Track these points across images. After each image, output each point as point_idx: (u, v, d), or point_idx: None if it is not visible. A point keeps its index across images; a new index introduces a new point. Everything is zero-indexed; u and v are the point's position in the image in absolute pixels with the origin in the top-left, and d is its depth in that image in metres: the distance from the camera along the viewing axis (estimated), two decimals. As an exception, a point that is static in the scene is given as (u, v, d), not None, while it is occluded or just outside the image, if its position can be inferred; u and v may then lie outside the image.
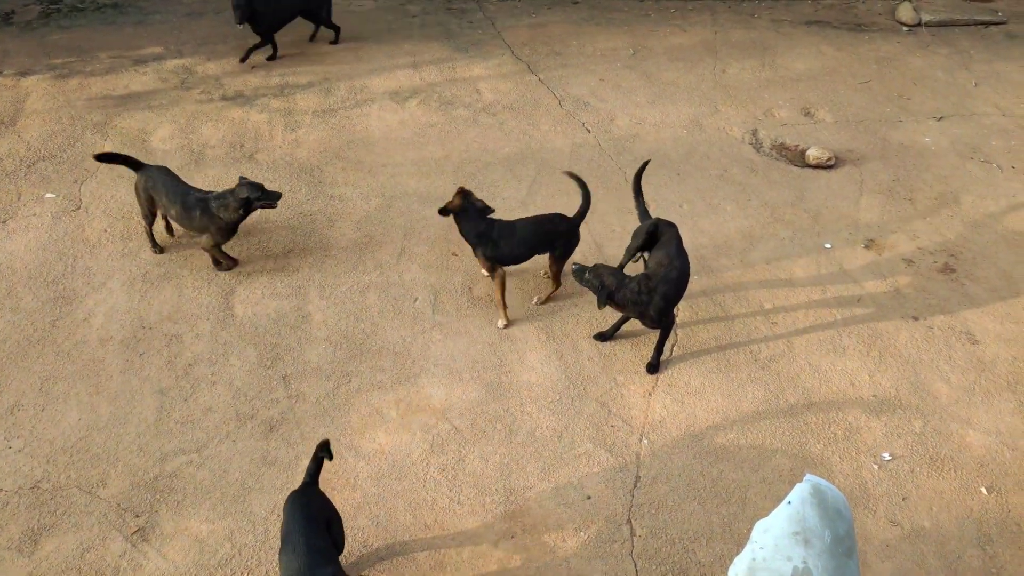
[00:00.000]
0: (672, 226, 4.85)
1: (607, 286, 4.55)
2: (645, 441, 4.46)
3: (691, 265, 4.87)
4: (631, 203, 5.47)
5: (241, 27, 7.36)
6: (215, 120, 6.88)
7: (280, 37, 8.35)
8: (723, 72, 8.14)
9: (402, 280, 5.41)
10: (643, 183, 5.37)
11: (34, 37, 7.90)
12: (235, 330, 4.98)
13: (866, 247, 5.90)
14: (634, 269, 5.17)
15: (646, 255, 4.97)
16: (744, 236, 5.94)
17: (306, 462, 3.97)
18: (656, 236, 4.81)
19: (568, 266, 5.23)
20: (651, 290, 4.54)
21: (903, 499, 4.28)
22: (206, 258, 5.43)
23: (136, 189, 5.31)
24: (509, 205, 6.10)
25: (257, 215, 5.83)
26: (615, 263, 5.53)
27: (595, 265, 4.66)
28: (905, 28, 9.14)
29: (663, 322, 4.71)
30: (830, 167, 6.73)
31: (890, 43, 8.83)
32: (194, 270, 5.37)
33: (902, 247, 5.90)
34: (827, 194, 6.42)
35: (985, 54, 8.51)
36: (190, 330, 4.96)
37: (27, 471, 4.18)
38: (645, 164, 5.30)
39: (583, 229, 5.84)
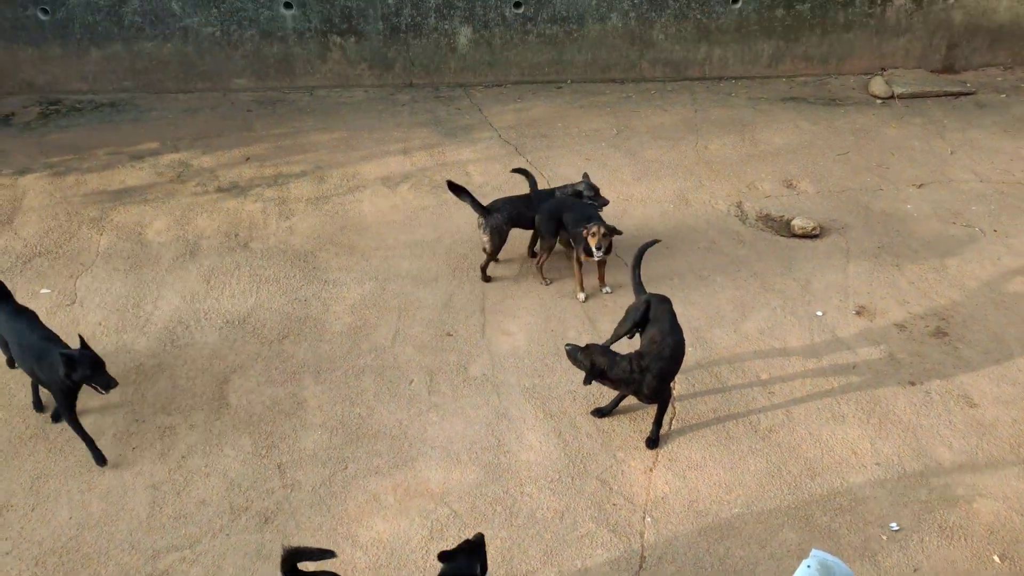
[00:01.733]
0: (665, 301, 4.89)
1: (597, 366, 4.55)
2: (648, 519, 4.38)
3: (686, 338, 4.89)
4: (622, 278, 5.53)
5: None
6: (210, 211, 7.00)
7: (271, 129, 8.59)
8: (705, 148, 8.37)
9: (397, 362, 5.40)
10: (631, 256, 5.45)
11: (33, 137, 8.11)
12: (229, 419, 4.93)
13: (857, 313, 5.95)
14: (629, 345, 5.20)
15: (639, 331, 4.99)
16: (736, 306, 5.99)
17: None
18: (648, 313, 4.84)
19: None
20: (644, 368, 4.54)
21: (914, 570, 4.18)
22: (199, 348, 5.43)
23: None
24: (502, 284, 6.15)
25: (253, 299, 5.86)
26: (608, 336, 5.55)
27: (587, 345, 4.67)
28: (879, 101, 9.47)
29: (659, 397, 4.69)
30: (815, 236, 6.85)
31: (865, 115, 9.13)
32: (188, 360, 5.36)
33: (893, 312, 5.95)
34: (815, 262, 6.52)
35: (958, 123, 8.80)
36: (183, 421, 4.91)
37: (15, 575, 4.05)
38: (652, 243, 5.38)
39: (578, 307, 5.89)
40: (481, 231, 6.06)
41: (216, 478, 4.56)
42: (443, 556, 3.45)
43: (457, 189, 6.05)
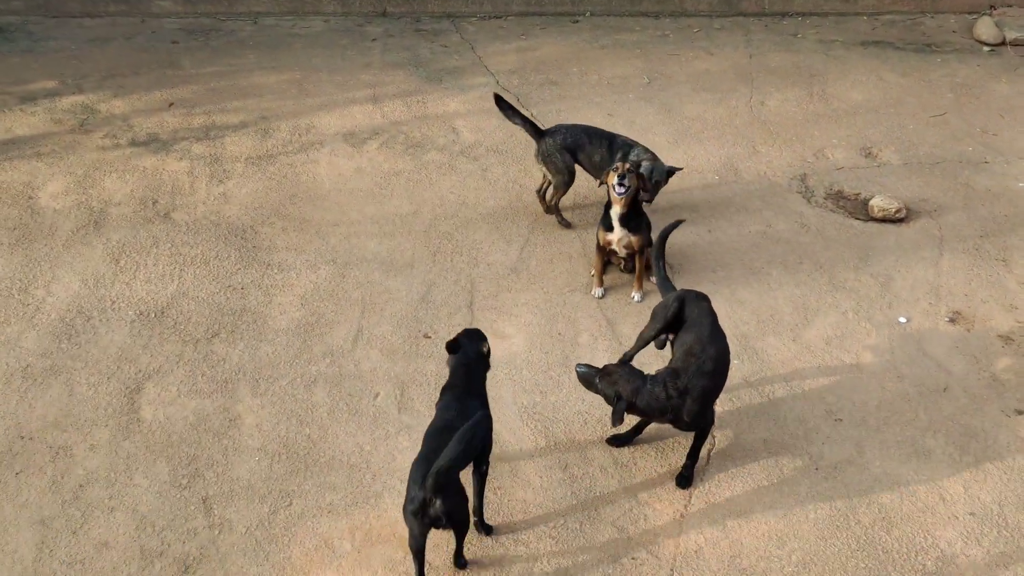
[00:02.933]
0: (703, 299, 4.89)
1: (624, 396, 4.53)
2: (677, 578, 4.40)
3: (730, 348, 4.90)
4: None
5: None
6: (121, 171, 6.99)
7: (203, 67, 8.57)
8: (761, 104, 8.37)
9: (359, 371, 5.41)
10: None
11: None
12: (141, 439, 4.93)
13: (951, 321, 5.96)
14: (655, 356, 5.21)
15: (670, 337, 5.00)
16: (796, 308, 6.00)
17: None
18: (683, 314, 4.83)
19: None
20: (683, 391, 4.53)
21: (1017, 651, 4.20)
22: (104, 346, 5.44)
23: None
24: (496, 272, 6.16)
25: (175, 285, 5.86)
26: (631, 343, 5.56)
27: (605, 367, 4.64)
28: (987, 48, 9.48)
29: (700, 424, 4.70)
30: (900, 220, 6.86)
31: (968, 66, 9.14)
32: (89, 362, 5.36)
33: (997, 321, 5.97)
34: (898, 254, 6.53)
35: (1087, 79, 8.82)
36: (83, 440, 4.91)
37: None
38: (676, 224, 5.38)
39: (593, 305, 5.90)
40: (537, 162, 6.53)
41: (123, 514, 4.56)
42: (450, 346, 4.49)
43: (506, 107, 6.47)
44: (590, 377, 4.63)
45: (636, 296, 6.03)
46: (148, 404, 5.13)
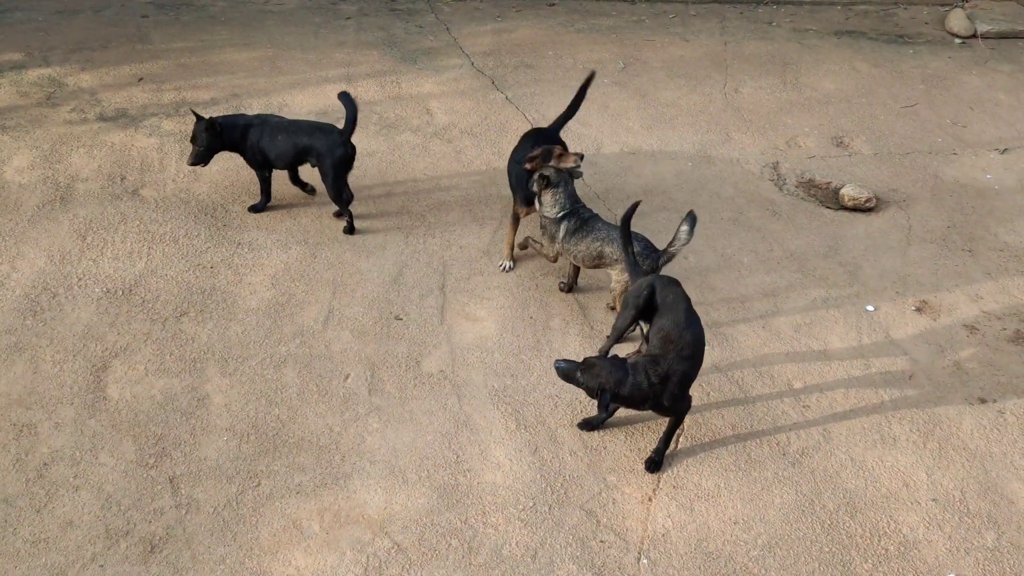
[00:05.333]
0: (675, 284, 4.90)
1: (607, 387, 4.53)
2: (645, 561, 4.43)
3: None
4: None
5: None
6: (89, 145, 6.88)
7: (173, 42, 8.45)
8: (735, 92, 8.40)
9: (330, 352, 5.38)
10: (635, 227, 5.46)
11: None
12: (107, 418, 4.88)
13: (917, 310, 6.04)
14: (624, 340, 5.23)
15: (644, 325, 5.01)
16: (766, 295, 6.05)
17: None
18: (654, 300, 4.84)
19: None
20: (663, 377, 4.55)
21: (975, 634, 4.28)
22: (70, 323, 5.37)
23: None
24: (468, 255, 6.15)
25: (143, 263, 5.80)
26: (603, 328, 5.58)
27: (585, 360, 4.64)
28: (958, 40, 9.57)
29: (678, 408, 4.73)
30: (869, 210, 6.92)
31: (939, 58, 9.22)
32: (55, 339, 5.29)
33: (962, 310, 6.05)
34: (867, 243, 6.59)
35: (1054, 73, 8.93)
36: (47, 418, 4.85)
37: None
38: (634, 206, 5.31)
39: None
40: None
41: (88, 493, 4.52)
42: None
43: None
44: (571, 371, 4.62)
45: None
46: (115, 382, 5.08)
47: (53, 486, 4.53)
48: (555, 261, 5.87)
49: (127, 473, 4.62)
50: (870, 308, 6.02)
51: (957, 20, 9.73)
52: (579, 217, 5.63)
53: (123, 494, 4.52)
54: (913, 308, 6.05)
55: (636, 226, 6.41)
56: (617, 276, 5.48)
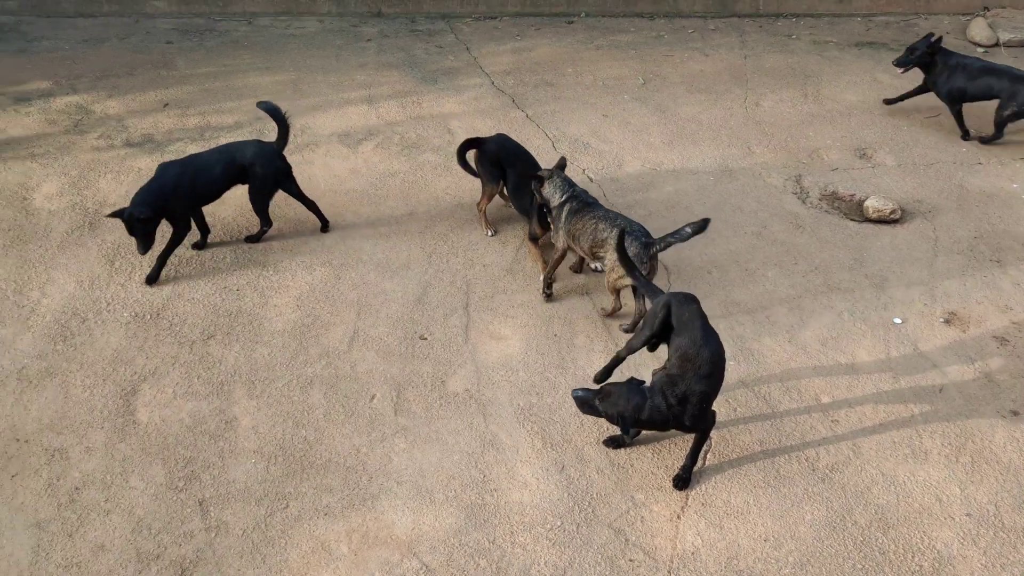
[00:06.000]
0: (691, 301, 4.86)
1: (627, 414, 4.57)
2: (674, 580, 4.40)
3: (726, 349, 4.89)
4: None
5: None
6: (116, 171, 6.96)
7: (198, 67, 8.55)
8: (756, 105, 8.38)
9: (355, 372, 5.40)
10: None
11: None
12: (137, 441, 4.92)
13: (946, 322, 5.97)
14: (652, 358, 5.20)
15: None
16: (792, 309, 6.01)
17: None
18: (671, 318, 4.82)
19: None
20: (682, 397, 4.55)
21: (1013, 651, 4.21)
22: (100, 348, 5.42)
23: None
24: (492, 273, 6.15)
25: (169, 287, 5.85)
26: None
27: (602, 388, 4.67)
28: (980, 49, 9.50)
29: (701, 426, 4.71)
30: (895, 221, 6.87)
31: (961, 68, 9.14)
32: (85, 364, 5.34)
33: (992, 322, 5.98)
34: (893, 255, 6.54)
35: (1079, 80, 8.83)
36: (79, 443, 4.89)
37: None
38: (622, 235, 5.29)
39: (588, 305, 5.88)
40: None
41: (119, 516, 4.55)
42: None
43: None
44: (589, 400, 4.68)
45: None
46: (144, 406, 5.12)
47: (85, 510, 4.56)
48: (563, 255, 6.03)
49: (157, 496, 4.64)
50: (897, 320, 5.96)
51: (979, 29, 9.67)
52: (580, 200, 5.92)
53: (153, 517, 4.55)
54: (942, 320, 5.99)
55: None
56: (610, 258, 5.60)
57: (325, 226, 6.46)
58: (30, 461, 4.78)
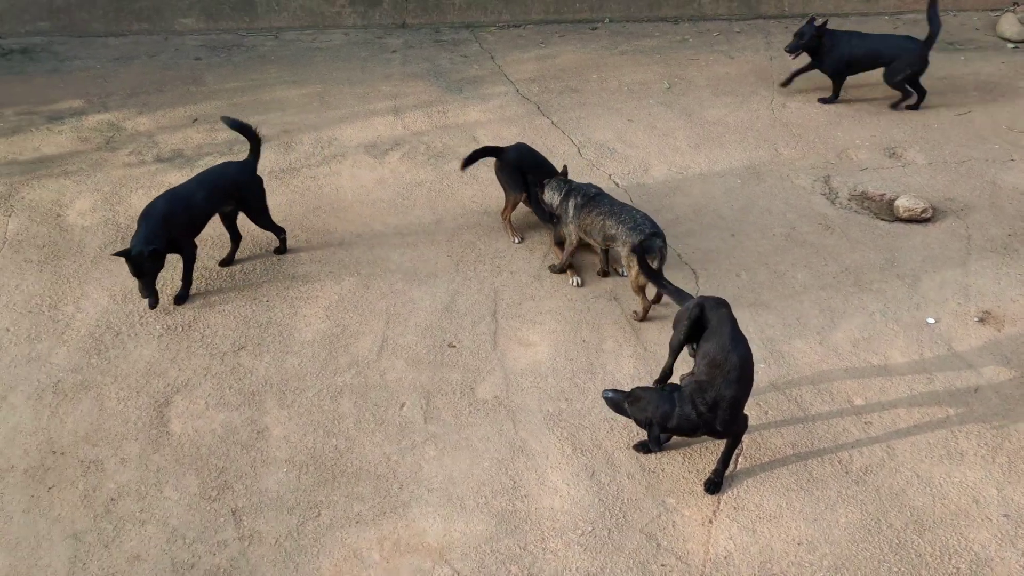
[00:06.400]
0: (722, 305, 4.84)
1: (655, 420, 4.58)
2: (707, 584, 4.37)
3: (756, 351, 4.86)
4: (679, 272, 5.52)
5: None
6: (147, 186, 7.06)
7: (226, 83, 8.65)
8: (783, 107, 8.33)
9: (385, 381, 5.42)
10: (686, 246, 5.45)
11: (-76, 92, 8.23)
12: (171, 452, 4.97)
13: (981, 321, 5.90)
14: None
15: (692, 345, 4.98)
16: (822, 311, 5.96)
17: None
18: (703, 322, 4.80)
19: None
20: (712, 405, 4.53)
21: (1055, 654, 4.13)
22: (133, 361, 5.49)
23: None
24: (519, 280, 6.16)
25: (200, 299, 5.92)
26: (656, 349, 5.54)
27: (633, 392, 4.69)
28: (1010, 45, 9.39)
29: (733, 430, 4.68)
30: (926, 220, 6.80)
31: (992, 64, 9.05)
32: (119, 377, 5.41)
33: (1027, 319, 5.90)
34: (925, 255, 6.47)
35: (1114, 73, 8.71)
36: (113, 454, 4.95)
37: (-101, 646, 4.11)
38: (639, 242, 5.47)
39: (617, 311, 5.87)
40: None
41: (154, 527, 4.60)
42: None
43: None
44: (619, 402, 4.71)
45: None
46: (177, 417, 5.17)
47: (120, 521, 4.62)
48: (575, 250, 6.18)
49: (191, 506, 4.69)
50: (931, 320, 5.89)
51: (1008, 25, 9.55)
52: (583, 194, 6.08)
53: (188, 527, 4.59)
54: (976, 319, 5.91)
55: (687, 245, 6.41)
56: (624, 254, 5.76)
57: (282, 248, 6.40)
58: (66, 473, 4.85)
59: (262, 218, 6.23)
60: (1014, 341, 5.73)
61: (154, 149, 7.57)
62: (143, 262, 5.58)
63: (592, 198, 6.01)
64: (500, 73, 8.89)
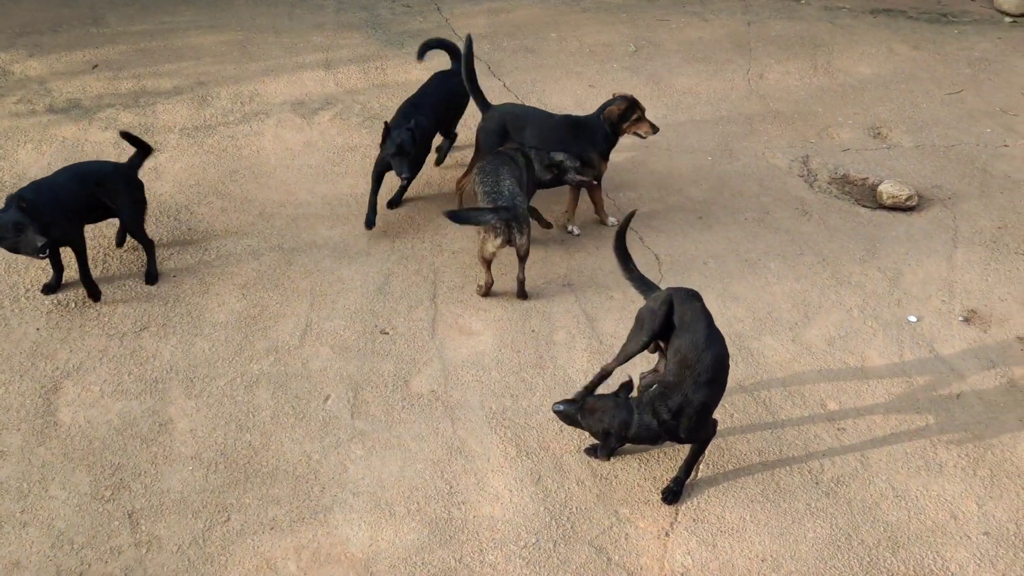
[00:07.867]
0: (694, 298, 4.86)
1: (613, 431, 4.59)
2: (661, 604, 4.43)
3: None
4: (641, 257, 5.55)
5: None
6: (38, 140, 6.90)
7: (132, 24, 8.47)
8: (760, 77, 8.41)
9: (307, 370, 5.39)
10: (649, 228, 5.48)
11: None
12: (58, 445, 4.88)
13: (966, 321, 6.03)
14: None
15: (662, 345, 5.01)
16: (796, 305, 6.05)
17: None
18: (672, 317, 4.80)
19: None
20: (676, 411, 4.55)
21: None
22: (17, 340, 5.37)
23: None
24: (462, 261, 6.15)
25: (98, 271, 5.80)
26: (612, 342, 5.58)
27: (585, 402, 4.69)
28: (1008, 19, 9.60)
29: (699, 437, 4.73)
30: (911, 209, 6.93)
31: (987, 39, 9.24)
32: (0, 358, 5.29)
33: (1016, 321, 6.05)
34: (908, 246, 6.60)
35: (1116, 55, 8.96)
36: (-9, 446, 4.86)
37: None
38: (629, 217, 5.30)
39: (571, 299, 5.89)
40: None
41: (37, 529, 4.52)
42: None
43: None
44: (571, 415, 4.70)
45: (573, 229, 6.52)
46: (67, 406, 5.08)
47: (-2, 522, 4.53)
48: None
49: (81, 507, 4.61)
50: (912, 319, 6.01)
51: (1007, -3, 9.77)
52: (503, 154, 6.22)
53: (76, 531, 4.52)
54: (961, 319, 6.05)
55: (650, 227, 6.44)
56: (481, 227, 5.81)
57: (151, 278, 5.88)
58: (-64, 466, 4.75)
59: (135, 225, 5.88)
60: (1000, 344, 5.88)
61: (46, 98, 7.39)
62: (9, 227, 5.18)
63: (498, 155, 6.12)
64: (447, 27, 8.84)
